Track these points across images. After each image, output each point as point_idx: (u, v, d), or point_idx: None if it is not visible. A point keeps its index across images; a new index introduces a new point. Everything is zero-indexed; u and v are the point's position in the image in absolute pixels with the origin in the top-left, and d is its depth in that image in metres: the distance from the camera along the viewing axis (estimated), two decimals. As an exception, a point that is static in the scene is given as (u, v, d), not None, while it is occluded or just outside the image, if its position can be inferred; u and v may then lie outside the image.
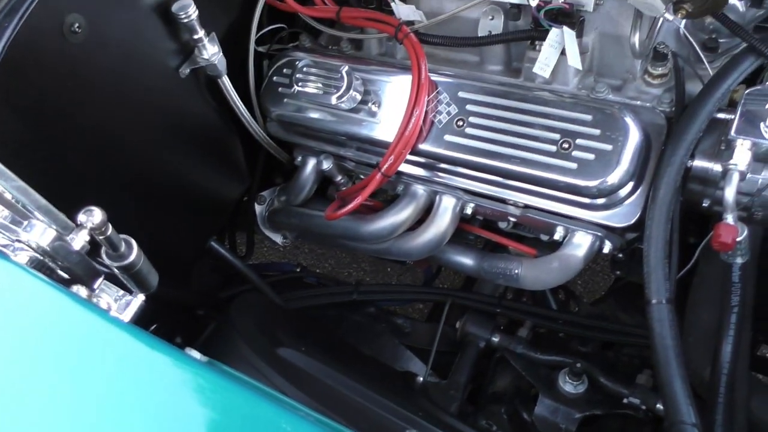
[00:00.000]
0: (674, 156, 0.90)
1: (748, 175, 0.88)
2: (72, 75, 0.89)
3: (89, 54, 0.90)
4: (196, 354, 0.68)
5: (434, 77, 1.08)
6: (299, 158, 1.30)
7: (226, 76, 1.09)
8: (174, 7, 0.97)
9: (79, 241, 0.66)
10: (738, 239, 0.86)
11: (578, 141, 0.94)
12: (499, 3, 1.06)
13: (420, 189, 1.16)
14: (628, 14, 0.97)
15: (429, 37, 1.10)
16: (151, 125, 1.06)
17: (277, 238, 1.47)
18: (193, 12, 0.98)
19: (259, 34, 1.22)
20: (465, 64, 1.16)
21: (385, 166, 1.06)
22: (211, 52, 1.04)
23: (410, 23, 1.12)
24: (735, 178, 0.85)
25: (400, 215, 1.17)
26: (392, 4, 1.11)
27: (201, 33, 1.01)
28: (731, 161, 0.85)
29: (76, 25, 0.85)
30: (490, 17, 1.08)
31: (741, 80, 0.92)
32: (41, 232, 0.63)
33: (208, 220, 1.29)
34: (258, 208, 1.40)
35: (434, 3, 1.13)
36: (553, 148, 0.96)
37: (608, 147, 0.92)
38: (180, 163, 1.17)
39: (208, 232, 1.28)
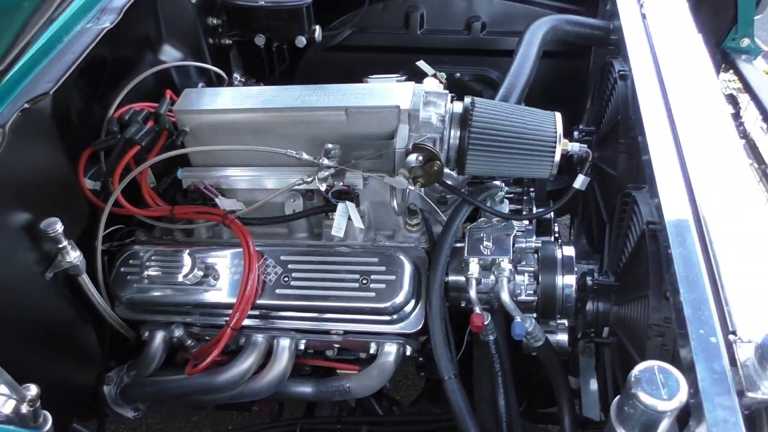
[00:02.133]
0: (435, 276, 1.33)
1: (482, 280, 1.33)
2: None
3: None
4: None
5: (259, 248, 1.42)
6: (146, 333, 1.50)
7: (85, 273, 1.31)
8: (42, 225, 1.20)
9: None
10: (485, 323, 1.29)
11: (372, 277, 1.33)
12: (297, 190, 1.46)
13: (259, 338, 1.44)
14: (386, 188, 1.43)
15: (249, 220, 1.45)
16: (9, 322, 1.21)
17: (128, 413, 1.59)
18: (59, 227, 1.21)
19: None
20: (278, 235, 1.52)
21: (233, 322, 1.34)
22: (74, 256, 1.26)
23: (232, 211, 1.46)
24: (473, 283, 1.29)
25: (246, 363, 1.42)
26: (216, 200, 1.46)
27: (65, 242, 1.24)
28: (469, 273, 1.30)
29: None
30: (293, 200, 1.47)
31: (464, 220, 1.41)
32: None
33: (70, 406, 1.41)
34: (106, 389, 1.53)
35: (248, 195, 1.49)
36: (356, 284, 1.33)
37: (392, 277, 1.33)
38: (39, 354, 1.31)
39: (69, 417, 1.39)
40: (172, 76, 1.75)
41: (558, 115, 1.37)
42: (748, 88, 1.92)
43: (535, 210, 1.54)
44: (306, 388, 1.49)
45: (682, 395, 0.86)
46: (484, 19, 2.10)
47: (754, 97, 1.86)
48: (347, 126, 1.38)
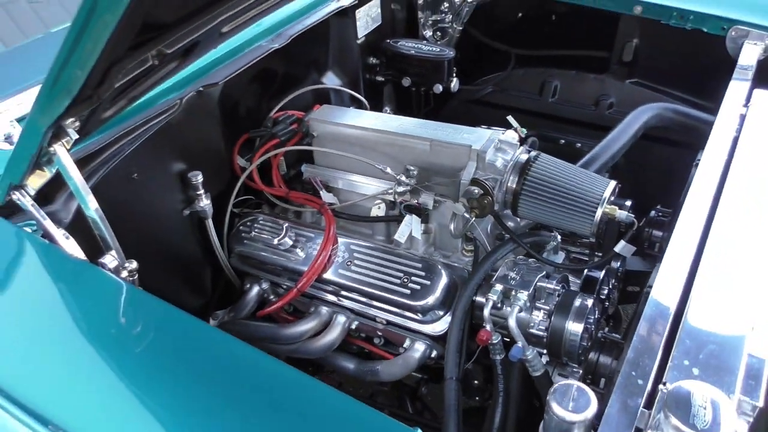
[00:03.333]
0: (464, 292, 1.54)
1: (504, 307, 1.52)
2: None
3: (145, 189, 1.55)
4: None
5: (340, 238, 1.75)
6: (247, 285, 1.90)
7: (210, 219, 1.75)
8: (189, 174, 1.67)
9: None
10: (492, 341, 1.48)
11: (412, 278, 1.59)
12: (383, 199, 1.77)
13: (323, 309, 1.76)
14: (450, 212, 1.68)
15: (339, 214, 1.80)
16: (155, 242, 1.68)
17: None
18: (200, 178, 1.67)
19: (236, 200, 1.91)
20: (361, 234, 1.84)
21: (300, 284, 1.68)
22: (205, 202, 1.71)
23: (331, 204, 1.82)
24: (489, 304, 1.49)
25: (308, 325, 1.75)
26: (321, 192, 1.83)
27: (201, 191, 1.69)
28: (488, 294, 1.49)
29: (135, 175, 1.53)
30: (378, 207, 1.79)
31: (504, 256, 1.60)
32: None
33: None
34: (212, 322, 1.96)
35: (347, 195, 1.84)
36: (398, 281, 1.60)
37: (428, 282, 1.57)
38: (168, 274, 1.76)
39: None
40: (330, 97, 2.19)
41: (612, 183, 1.52)
42: None
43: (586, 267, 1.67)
44: (348, 363, 1.76)
45: (589, 412, 1.01)
46: (612, 99, 2.25)
47: None
48: (428, 155, 1.67)
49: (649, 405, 1.03)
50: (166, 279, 1.77)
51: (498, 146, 1.62)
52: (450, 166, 1.65)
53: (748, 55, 1.93)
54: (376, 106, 2.40)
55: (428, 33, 2.45)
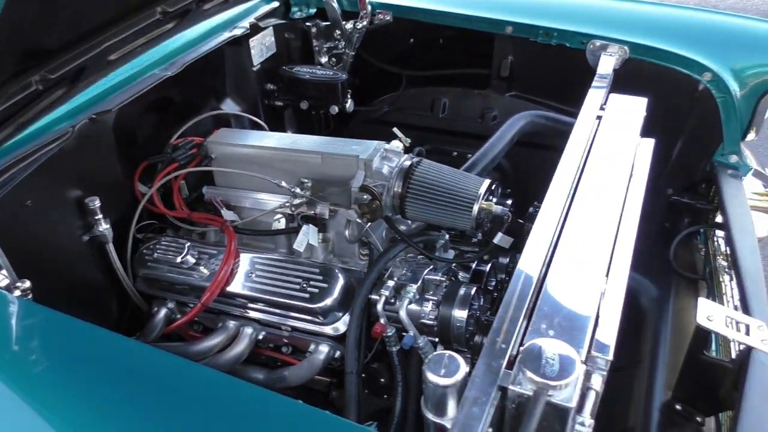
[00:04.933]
0: (360, 291, 1.64)
1: (397, 302, 1.62)
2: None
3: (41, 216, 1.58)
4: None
5: (244, 254, 1.82)
6: (155, 308, 1.93)
7: (111, 243, 1.78)
8: (86, 200, 1.70)
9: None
10: (387, 333, 1.58)
11: (311, 282, 1.68)
12: (282, 212, 1.86)
13: (231, 323, 1.82)
14: (344, 220, 1.78)
15: (242, 230, 1.87)
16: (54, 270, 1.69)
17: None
18: (97, 203, 1.70)
19: (138, 225, 1.94)
20: (264, 248, 1.91)
21: (204, 299, 1.73)
22: (104, 227, 1.74)
23: (232, 221, 1.89)
24: (382, 299, 1.59)
25: (214, 340, 1.79)
26: (222, 211, 1.90)
27: (100, 215, 1.72)
28: (381, 290, 1.60)
29: (29, 202, 1.55)
30: (278, 220, 1.87)
31: (396, 255, 1.71)
32: None
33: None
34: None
35: (248, 212, 1.92)
36: (298, 287, 1.68)
37: (326, 285, 1.66)
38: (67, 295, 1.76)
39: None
40: (231, 123, 2.28)
41: (486, 181, 1.67)
42: (720, 205, 2.05)
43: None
44: (257, 374, 1.81)
45: (459, 376, 1.11)
46: (495, 112, 2.45)
47: (724, 214, 1.99)
48: (321, 167, 1.78)
49: (511, 366, 1.15)
50: (69, 304, 1.77)
51: (384, 155, 1.74)
52: (341, 176, 1.76)
53: (605, 65, 2.16)
54: (278, 130, 2.49)
55: (324, 59, 2.58)
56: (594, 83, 2.06)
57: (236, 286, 1.76)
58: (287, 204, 1.79)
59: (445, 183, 1.66)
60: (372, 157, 1.72)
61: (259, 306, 1.75)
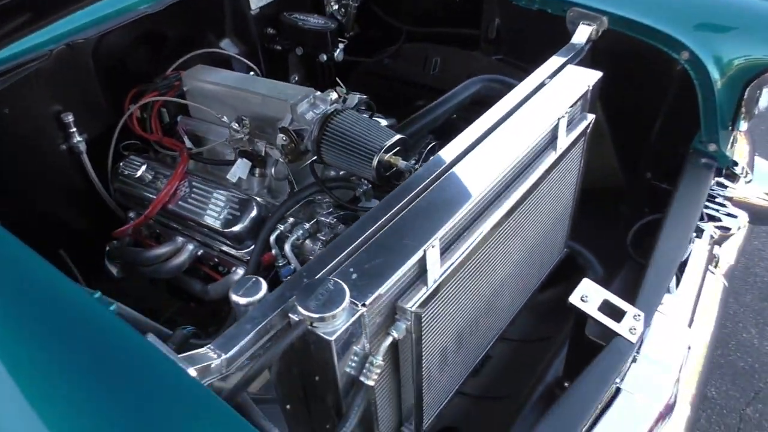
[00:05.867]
0: (268, 223, 1.81)
1: (287, 234, 1.77)
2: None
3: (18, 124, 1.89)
4: None
5: (191, 176, 2.04)
6: (131, 214, 2.23)
7: (85, 154, 2.08)
8: (62, 114, 1.99)
9: None
10: (278, 264, 1.74)
11: (227, 210, 1.87)
12: (225, 145, 2.05)
13: (179, 238, 2.07)
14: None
15: (194, 157, 2.09)
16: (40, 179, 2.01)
17: (114, 270, 2.33)
18: (71, 118, 1.99)
19: (123, 143, 2.22)
20: (217, 176, 2.12)
21: (147, 212, 1.99)
22: (78, 138, 2.03)
23: (189, 149, 2.11)
24: (275, 234, 1.74)
25: (161, 250, 2.04)
26: (183, 138, 2.12)
27: (74, 129, 2.01)
28: (278, 225, 1.75)
29: (6, 110, 1.86)
30: (230, 151, 2.07)
31: (308, 195, 1.85)
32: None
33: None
34: (108, 248, 2.29)
35: (209, 143, 2.13)
36: (217, 213, 1.88)
37: (238, 214, 1.85)
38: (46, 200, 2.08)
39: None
40: (231, 64, 2.49)
41: (396, 136, 1.75)
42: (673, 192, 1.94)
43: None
44: (195, 285, 2.06)
45: (257, 297, 1.25)
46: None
47: (671, 201, 1.90)
48: (260, 107, 1.94)
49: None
50: (48, 209, 2.10)
51: (312, 102, 1.87)
52: (273, 117, 1.91)
53: (581, 34, 2.10)
54: (283, 75, 2.67)
55: (335, 7, 2.70)
56: (560, 51, 2.02)
57: (175, 206, 1.99)
58: (227, 139, 1.97)
59: (355, 132, 1.76)
60: (299, 102, 1.85)
61: (195, 226, 1.98)
